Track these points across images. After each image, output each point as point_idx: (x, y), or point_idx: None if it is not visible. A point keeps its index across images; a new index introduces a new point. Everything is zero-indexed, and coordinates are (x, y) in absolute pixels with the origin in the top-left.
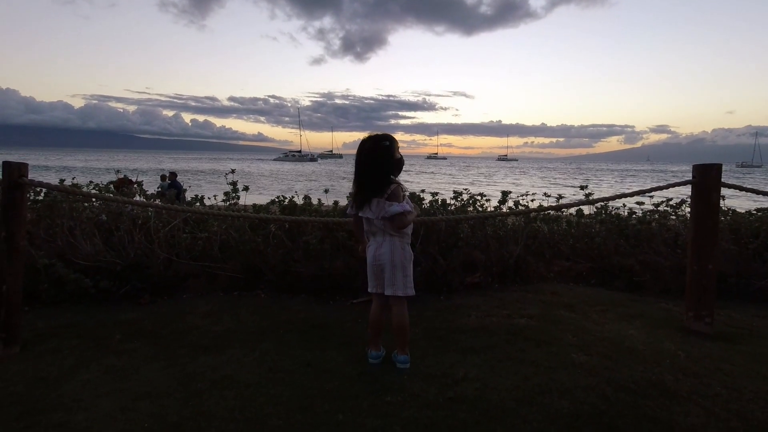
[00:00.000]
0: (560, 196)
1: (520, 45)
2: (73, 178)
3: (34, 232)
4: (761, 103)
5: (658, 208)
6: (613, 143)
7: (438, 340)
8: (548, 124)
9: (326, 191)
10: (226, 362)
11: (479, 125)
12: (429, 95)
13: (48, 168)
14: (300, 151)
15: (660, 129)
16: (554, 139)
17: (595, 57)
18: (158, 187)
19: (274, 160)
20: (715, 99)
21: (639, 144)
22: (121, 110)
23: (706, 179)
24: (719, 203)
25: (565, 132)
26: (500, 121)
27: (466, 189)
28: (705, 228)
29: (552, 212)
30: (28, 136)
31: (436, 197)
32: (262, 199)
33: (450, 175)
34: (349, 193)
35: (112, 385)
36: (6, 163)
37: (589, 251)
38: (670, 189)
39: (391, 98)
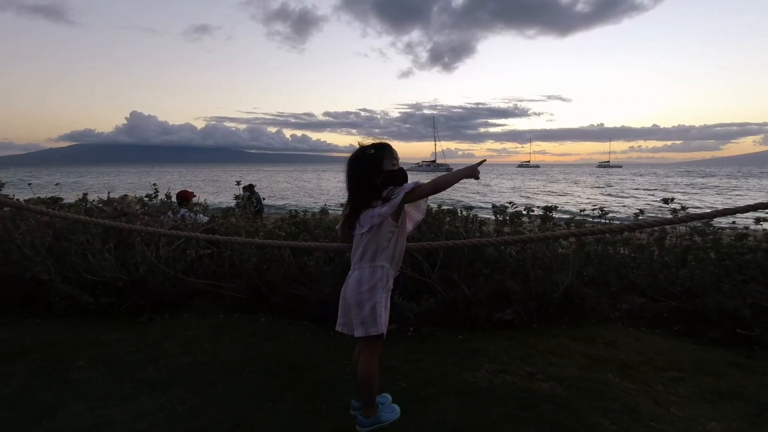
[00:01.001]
0: (640, 212)
1: (624, 41)
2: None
3: (54, 246)
4: None
5: None
6: (746, 144)
7: (420, 403)
8: (661, 126)
9: None
10: (153, 410)
11: (577, 130)
12: (521, 101)
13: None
14: (435, 161)
15: None
16: (668, 142)
17: (720, 46)
18: (239, 197)
19: (408, 170)
20: None
21: None
22: (234, 129)
23: None
24: None
25: (682, 134)
26: (602, 124)
27: (511, 202)
28: None
29: (613, 234)
30: (163, 153)
31: (463, 213)
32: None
33: (536, 181)
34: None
35: (18, 430)
36: None
37: (675, 286)
38: None
39: (480, 106)
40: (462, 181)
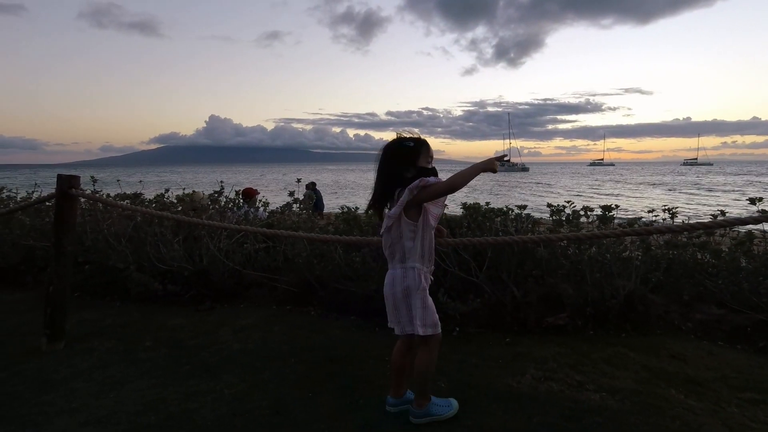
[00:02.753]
0: (722, 212)
1: (717, 26)
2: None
3: (134, 237)
4: None
5: None
6: None
7: (459, 405)
8: (762, 118)
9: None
10: (205, 392)
11: (659, 125)
12: (593, 95)
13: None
14: (509, 160)
15: None
16: None
17: None
18: (304, 195)
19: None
20: None
21: None
22: (300, 129)
23: None
24: None
25: None
26: (689, 118)
27: (570, 201)
28: None
29: (684, 236)
30: (236, 154)
31: (514, 211)
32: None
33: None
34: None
35: (85, 401)
36: (59, 176)
37: (762, 297)
38: None
39: (548, 101)
40: (515, 178)
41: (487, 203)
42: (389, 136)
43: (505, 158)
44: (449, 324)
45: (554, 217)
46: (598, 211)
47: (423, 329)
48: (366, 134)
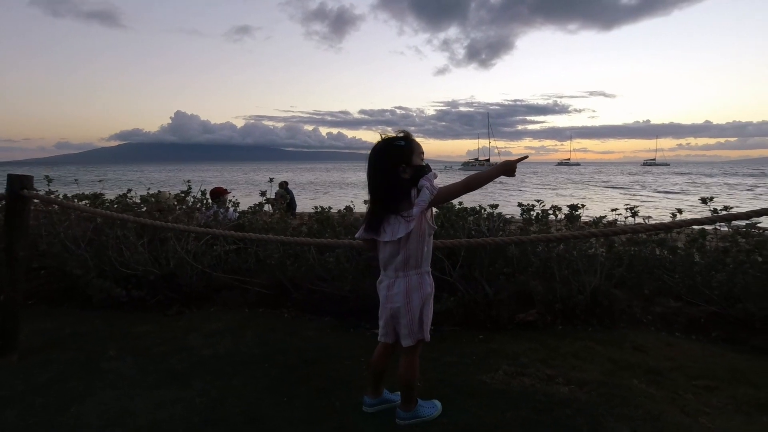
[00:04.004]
0: (678, 211)
1: (674, 34)
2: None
3: (94, 239)
4: None
5: None
6: None
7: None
8: (714, 122)
9: None
10: (173, 401)
11: (621, 127)
12: (561, 97)
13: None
14: (488, 160)
15: None
16: (722, 140)
17: None
18: (276, 194)
19: (460, 168)
20: None
21: None
22: (272, 127)
23: None
24: None
25: (738, 130)
26: (648, 120)
27: (539, 200)
28: None
29: (642, 235)
30: (204, 152)
31: (485, 212)
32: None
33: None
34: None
35: (44, 417)
36: (10, 176)
37: (714, 290)
38: None
39: (518, 103)
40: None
41: (460, 203)
42: (362, 134)
43: (525, 159)
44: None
45: (524, 216)
46: (566, 210)
47: (428, 335)
48: (339, 132)
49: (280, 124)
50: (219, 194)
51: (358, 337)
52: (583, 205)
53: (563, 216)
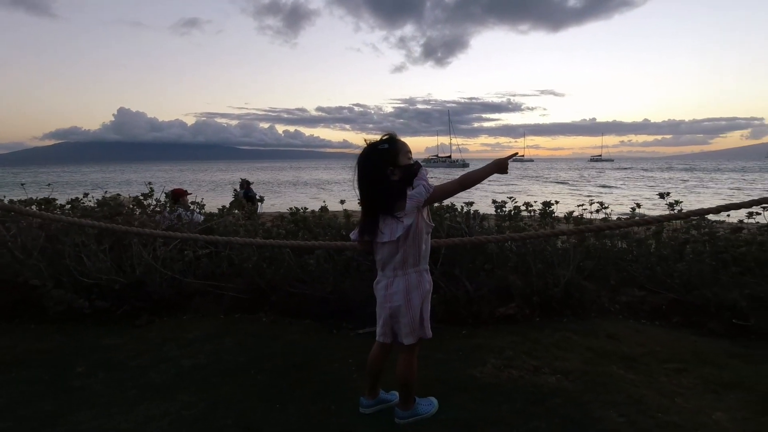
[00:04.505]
0: (637, 206)
1: (616, 37)
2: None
3: (47, 248)
4: None
5: None
6: (734, 139)
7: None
8: (652, 120)
9: None
10: (160, 415)
11: (570, 125)
12: (514, 95)
13: (130, 182)
14: (450, 156)
15: None
16: (659, 137)
17: (709, 41)
18: (236, 195)
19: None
20: None
21: (767, 139)
22: (225, 125)
23: None
24: None
25: (673, 128)
26: (594, 119)
27: (511, 197)
28: None
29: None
30: (152, 151)
31: (462, 210)
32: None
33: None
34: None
35: None
36: None
37: (673, 278)
38: None
39: (473, 101)
40: (457, 174)
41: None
42: (320, 132)
43: (519, 155)
44: None
45: (499, 212)
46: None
47: (429, 332)
48: (296, 130)
49: (234, 122)
50: (179, 196)
51: (343, 338)
52: (556, 201)
53: (536, 212)
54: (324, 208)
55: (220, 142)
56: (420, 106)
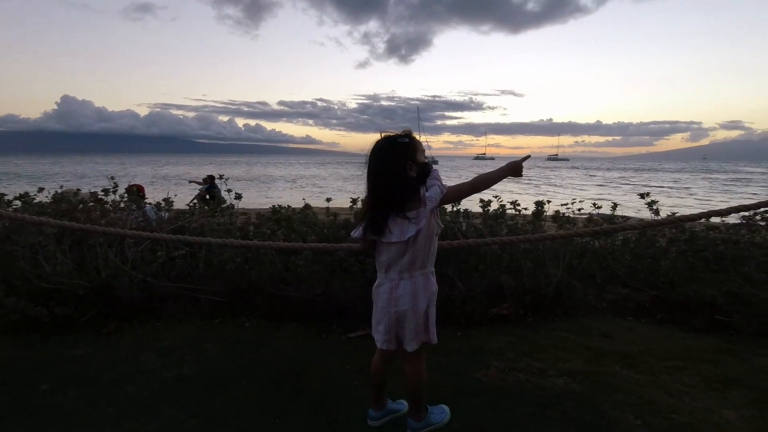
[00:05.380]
0: (615, 206)
1: (571, 41)
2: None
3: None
4: None
5: (751, 222)
6: (676, 141)
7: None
8: (604, 122)
9: None
10: None
11: (528, 124)
12: (476, 95)
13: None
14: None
15: (732, 125)
16: (610, 138)
17: (654, 51)
18: (198, 190)
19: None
20: None
21: (706, 141)
22: (181, 117)
23: None
24: None
25: (622, 130)
26: (551, 119)
27: (497, 197)
28: None
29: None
30: (100, 142)
31: (454, 209)
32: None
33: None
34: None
35: None
36: None
37: (654, 276)
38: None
39: (436, 98)
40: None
41: None
42: (283, 126)
43: (529, 158)
44: None
45: (486, 210)
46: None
47: (435, 337)
48: (257, 124)
49: (191, 114)
50: (138, 192)
51: (334, 342)
52: (548, 201)
53: (524, 211)
54: (307, 206)
55: (176, 135)
56: (384, 103)
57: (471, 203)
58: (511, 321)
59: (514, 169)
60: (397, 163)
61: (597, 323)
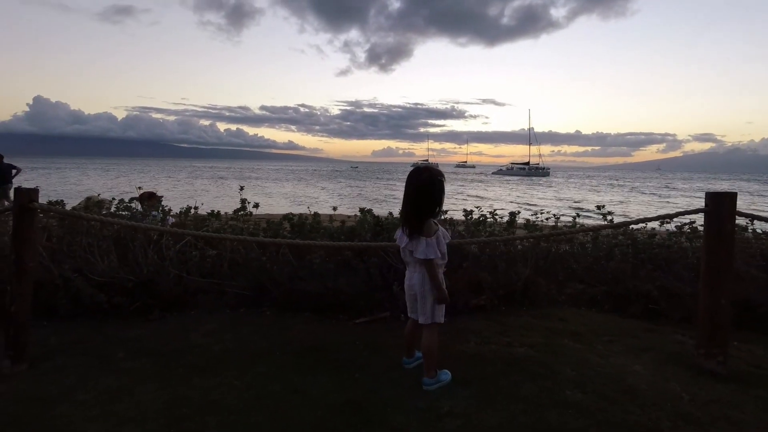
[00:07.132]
0: (577, 213)
1: (544, 55)
2: (98, 194)
3: (58, 248)
4: None
5: (682, 229)
6: (651, 152)
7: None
8: (582, 132)
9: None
10: (217, 385)
11: (510, 133)
12: (458, 103)
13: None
14: (528, 163)
15: (704, 137)
16: (589, 148)
17: (629, 64)
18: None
19: (495, 172)
20: (765, 105)
21: (679, 153)
22: (161, 120)
23: (719, 208)
24: (734, 233)
25: (600, 140)
26: (532, 128)
27: (478, 207)
28: (718, 260)
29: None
30: (74, 145)
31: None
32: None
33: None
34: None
35: (104, 407)
36: (17, 189)
37: (605, 274)
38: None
39: (419, 106)
40: None
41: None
42: (265, 131)
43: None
44: (397, 311)
45: (469, 218)
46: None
47: (441, 318)
48: (238, 129)
49: (171, 118)
50: (148, 199)
51: (342, 326)
52: (518, 211)
53: (500, 218)
54: (316, 213)
55: (155, 139)
56: (366, 110)
57: (455, 213)
58: (487, 309)
59: (442, 298)
60: (436, 196)
61: (556, 311)
